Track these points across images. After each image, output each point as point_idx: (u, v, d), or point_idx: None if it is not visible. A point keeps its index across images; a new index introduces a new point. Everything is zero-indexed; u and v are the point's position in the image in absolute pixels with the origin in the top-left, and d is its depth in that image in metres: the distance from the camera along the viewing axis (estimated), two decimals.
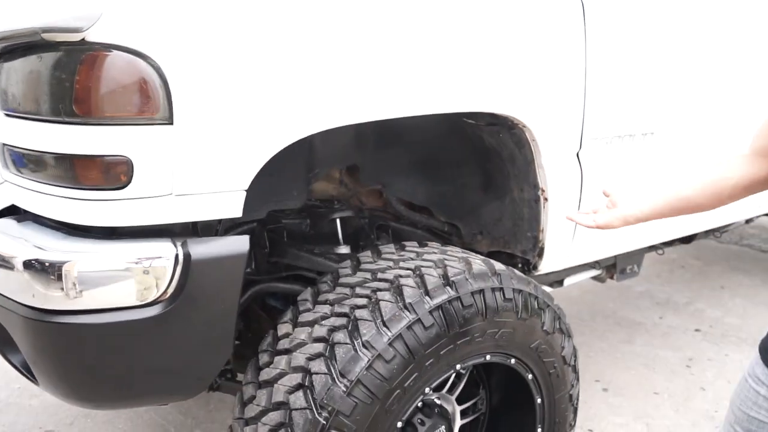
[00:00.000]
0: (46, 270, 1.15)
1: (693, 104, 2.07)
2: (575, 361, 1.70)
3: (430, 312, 1.35)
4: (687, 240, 2.83)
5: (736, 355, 2.96)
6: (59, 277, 1.16)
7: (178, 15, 1.18)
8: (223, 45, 1.21)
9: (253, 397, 1.38)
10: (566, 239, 1.88)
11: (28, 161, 1.26)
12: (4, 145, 1.31)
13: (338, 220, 1.94)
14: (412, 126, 1.66)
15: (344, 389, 1.26)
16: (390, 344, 1.30)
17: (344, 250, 1.91)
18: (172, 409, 2.47)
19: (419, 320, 1.34)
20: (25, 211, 1.36)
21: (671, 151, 2.05)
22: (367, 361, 1.28)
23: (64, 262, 1.16)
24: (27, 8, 1.29)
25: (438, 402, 1.53)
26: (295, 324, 1.43)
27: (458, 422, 1.63)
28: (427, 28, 1.45)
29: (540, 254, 1.87)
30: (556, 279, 2.29)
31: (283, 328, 1.44)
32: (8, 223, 1.34)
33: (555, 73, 1.67)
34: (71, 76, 1.15)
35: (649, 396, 2.63)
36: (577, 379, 1.74)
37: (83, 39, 1.14)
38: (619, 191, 1.30)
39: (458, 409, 1.63)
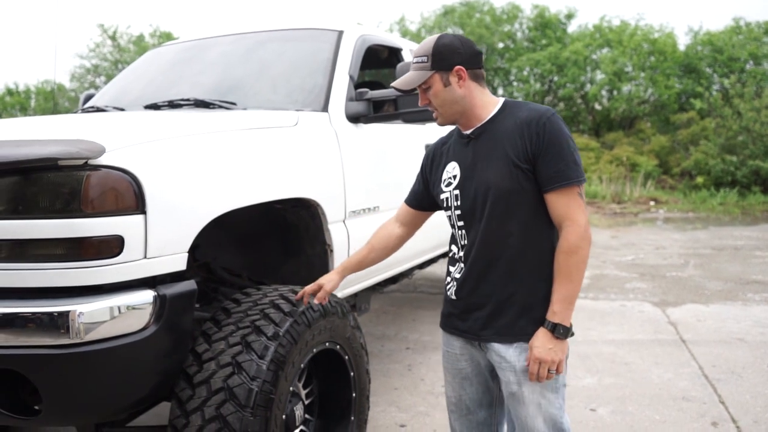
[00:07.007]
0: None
1: (396, 193, 3.39)
2: (366, 346, 2.71)
3: (300, 315, 2.23)
4: (394, 280, 4.14)
5: (434, 356, 4.35)
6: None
7: (149, 150, 1.93)
8: (170, 169, 1.99)
9: (192, 395, 2.04)
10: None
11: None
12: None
13: None
14: (235, 213, 2.52)
15: (265, 366, 2.05)
16: (284, 335, 2.14)
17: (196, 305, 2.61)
18: None
19: (295, 321, 2.20)
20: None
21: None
22: (275, 347, 2.09)
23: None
24: (33, 139, 1.84)
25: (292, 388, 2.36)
26: (210, 342, 2.15)
27: (304, 399, 2.47)
28: (268, 158, 2.42)
29: None
30: None
31: (201, 348, 2.14)
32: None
33: (331, 175, 2.77)
34: (79, 185, 1.78)
35: (391, 391, 3.77)
36: (368, 361, 2.74)
37: (86, 162, 1.80)
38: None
39: (303, 391, 2.48)
